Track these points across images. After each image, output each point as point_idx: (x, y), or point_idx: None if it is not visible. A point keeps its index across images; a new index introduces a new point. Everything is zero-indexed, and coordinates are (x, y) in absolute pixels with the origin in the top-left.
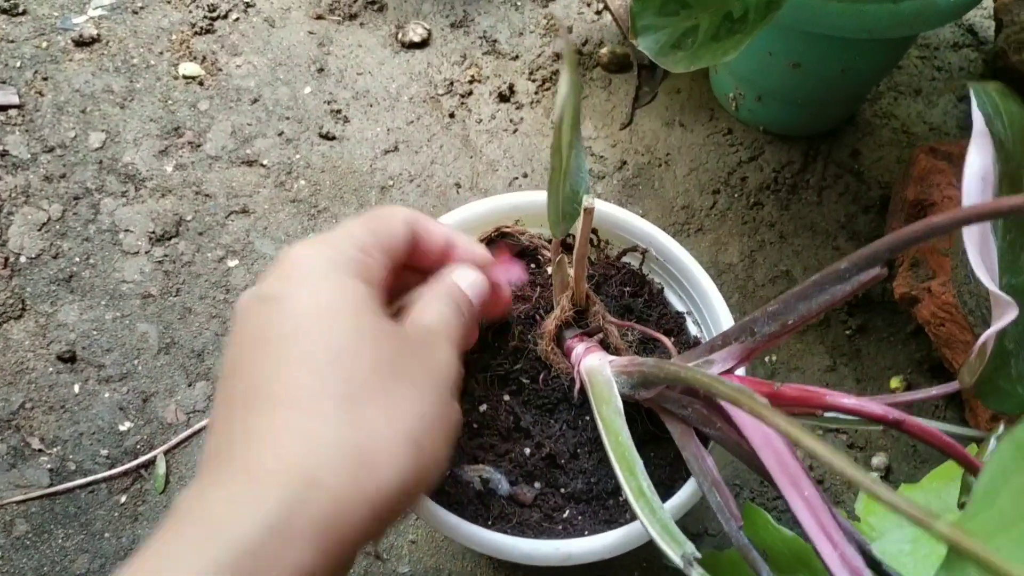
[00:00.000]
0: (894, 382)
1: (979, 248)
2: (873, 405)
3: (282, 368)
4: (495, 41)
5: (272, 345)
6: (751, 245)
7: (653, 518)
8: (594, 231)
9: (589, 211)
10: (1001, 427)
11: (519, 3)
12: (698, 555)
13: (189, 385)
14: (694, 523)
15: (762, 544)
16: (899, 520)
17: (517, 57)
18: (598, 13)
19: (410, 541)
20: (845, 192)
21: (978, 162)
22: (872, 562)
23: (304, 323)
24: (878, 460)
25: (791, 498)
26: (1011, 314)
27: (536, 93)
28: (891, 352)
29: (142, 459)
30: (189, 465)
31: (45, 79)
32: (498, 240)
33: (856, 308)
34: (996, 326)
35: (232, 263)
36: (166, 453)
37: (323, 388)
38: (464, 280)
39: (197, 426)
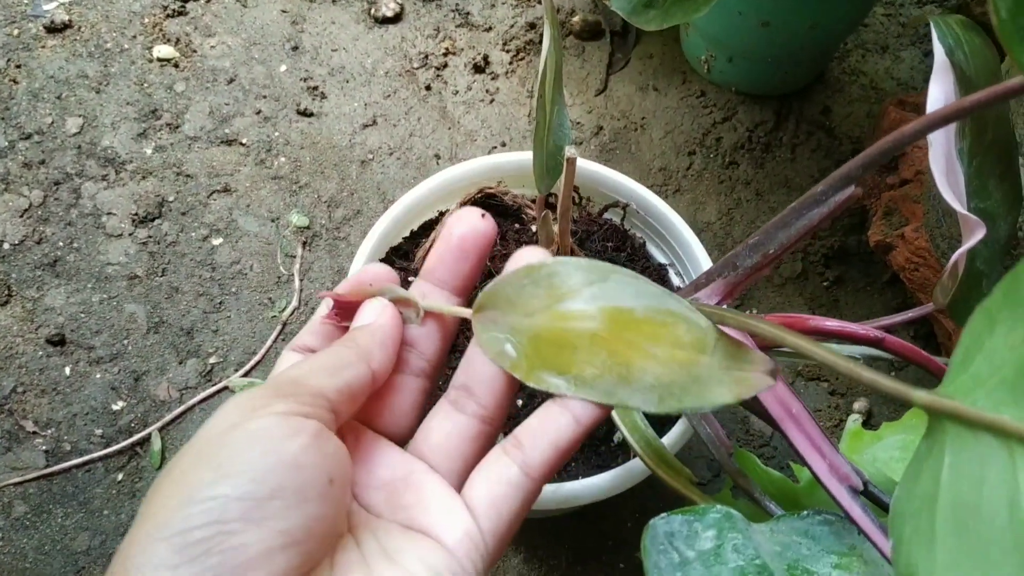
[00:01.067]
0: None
1: (945, 173)
2: (854, 326)
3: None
4: (468, 13)
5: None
6: (728, 203)
7: (649, 449)
8: (576, 189)
9: (572, 161)
10: None
11: None
12: (695, 479)
13: (180, 363)
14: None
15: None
16: (888, 444)
17: (490, 28)
18: None
19: None
20: (817, 148)
21: (940, 91)
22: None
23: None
24: (859, 405)
25: (781, 418)
26: (979, 233)
27: (511, 63)
28: (868, 301)
29: (137, 437)
30: (184, 440)
31: (18, 67)
32: (482, 200)
33: (832, 260)
34: (965, 245)
35: (216, 241)
36: (160, 430)
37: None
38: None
39: (190, 402)
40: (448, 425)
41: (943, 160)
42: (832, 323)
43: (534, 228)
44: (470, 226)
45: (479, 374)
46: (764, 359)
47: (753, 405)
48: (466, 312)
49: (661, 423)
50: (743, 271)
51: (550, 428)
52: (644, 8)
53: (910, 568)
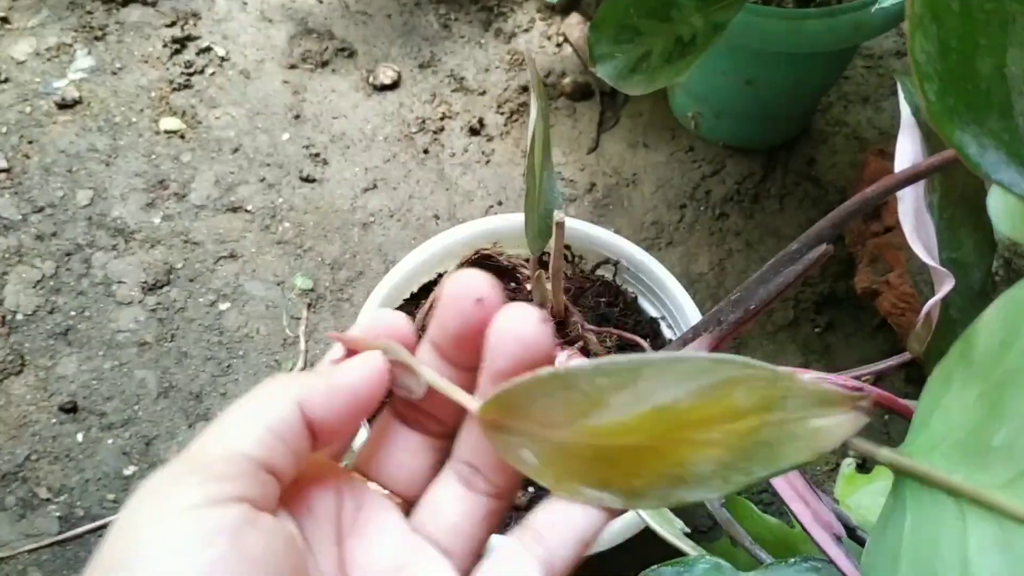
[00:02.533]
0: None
1: (915, 227)
2: (832, 377)
3: None
4: (462, 78)
5: None
6: (719, 254)
7: None
8: (568, 247)
9: (560, 225)
10: None
11: (483, 41)
12: (687, 529)
13: (189, 426)
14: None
15: (748, 533)
16: (874, 489)
17: (484, 92)
18: (559, 46)
19: None
20: (805, 198)
21: (907, 149)
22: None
23: None
24: None
25: None
26: (948, 284)
27: (505, 125)
28: (860, 346)
29: None
30: None
31: (31, 142)
32: (479, 261)
33: (823, 306)
34: (937, 296)
35: (224, 306)
36: None
37: None
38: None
39: None
40: (460, 505)
41: (912, 215)
42: (810, 375)
43: (529, 287)
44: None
45: (487, 454)
46: (847, 397)
47: None
48: (470, 403)
49: None
50: (727, 326)
51: (578, 520)
52: (629, 74)
53: None
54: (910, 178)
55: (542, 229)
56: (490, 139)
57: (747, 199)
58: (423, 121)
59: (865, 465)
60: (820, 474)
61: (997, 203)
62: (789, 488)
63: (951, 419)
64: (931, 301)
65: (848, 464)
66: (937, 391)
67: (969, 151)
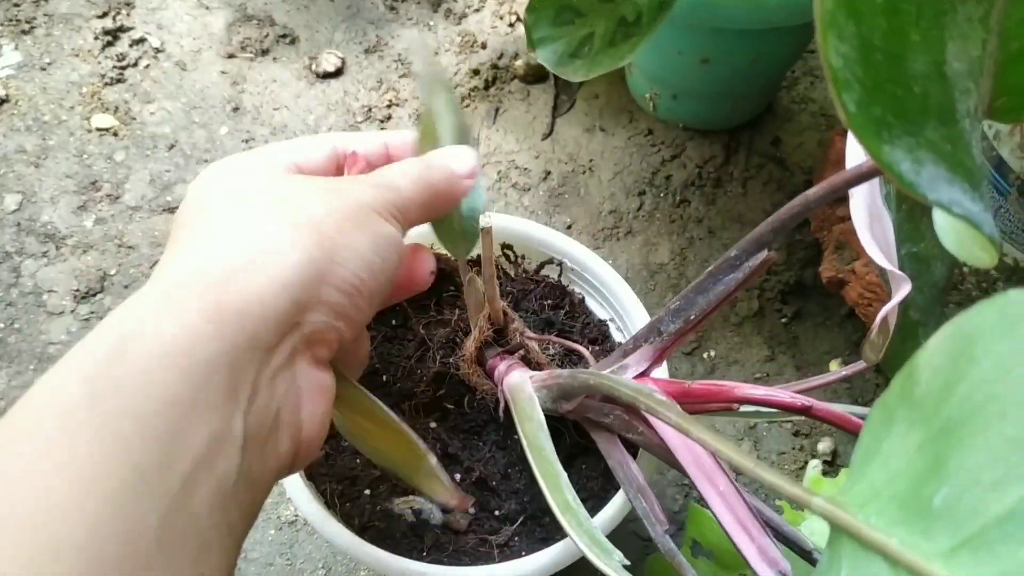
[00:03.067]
0: (833, 365)
1: (868, 224)
2: (782, 394)
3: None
4: (410, 63)
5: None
6: (681, 243)
7: (580, 530)
8: (509, 247)
9: (487, 231)
10: None
11: (431, 23)
12: (626, 562)
13: None
14: (642, 527)
15: (708, 543)
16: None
17: None
18: (511, 25)
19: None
20: (769, 181)
21: (856, 147)
22: (794, 546)
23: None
24: (824, 446)
25: (707, 494)
26: (905, 289)
27: None
28: (828, 336)
29: None
30: None
31: None
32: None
33: (789, 295)
34: (893, 302)
35: None
36: None
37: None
38: (453, 157)
39: None
40: None
41: (864, 212)
42: (759, 392)
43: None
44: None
45: None
46: None
47: (683, 469)
48: None
49: (604, 492)
50: (668, 336)
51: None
52: (570, 58)
53: None
54: (857, 178)
55: (467, 230)
56: None
57: (709, 183)
58: (369, 109)
59: (836, 461)
60: (788, 474)
61: (942, 220)
62: (732, 518)
63: (892, 467)
64: (887, 307)
65: (815, 466)
66: (878, 432)
67: (901, 169)
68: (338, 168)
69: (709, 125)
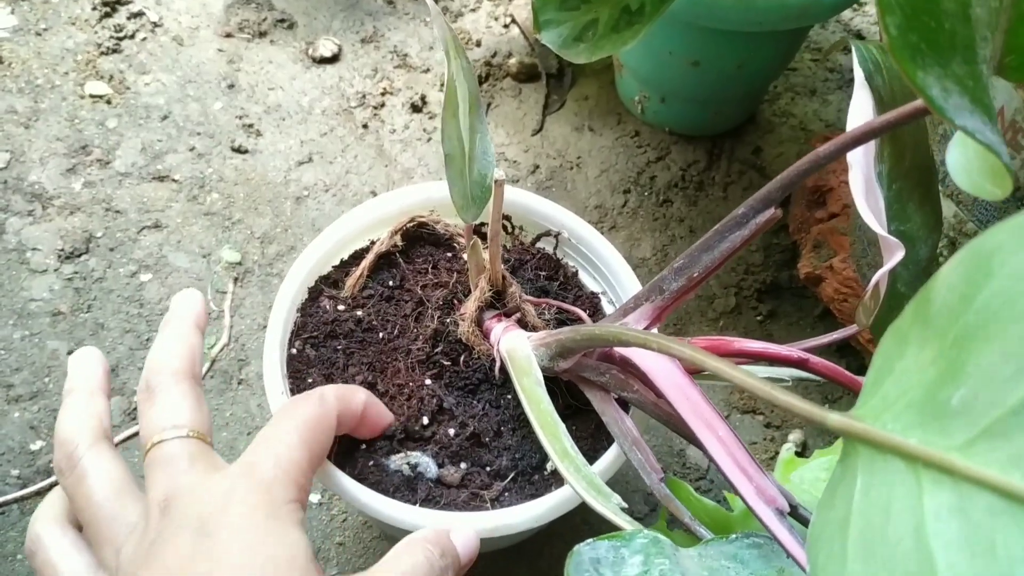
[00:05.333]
0: None
1: (865, 195)
2: (778, 347)
3: None
4: (406, 55)
5: None
6: (663, 240)
7: (579, 475)
8: (508, 218)
9: (500, 184)
10: None
11: (428, 19)
12: (624, 505)
13: None
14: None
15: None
16: (817, 464)
17: (428, 70)
18: (506, 26)
19: (337, 543)
20: (749, 187)
21: (859, 112)
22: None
23: None
24: (794, 436)
25: (706, 440)
26: (898, 254)
27: None
28: (801, 335)
29: (55, 478)
30: None
31: None
32: (414, 229)
33: (766, 294)
34: (887, 266)
35: (145, 277)
36: None
37: None
38: (459, 538)
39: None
40: None
41: (862, 182)
42: (756, 345)
43: (465, 256)
44: None
45: None
46: None
47: (677, 425)
48: None
49: (594, 451)
50: (670, 295)
51: None
52: (574, 42)
53: None
54: (862, 136)
55: (476, 195)
56: (432, 116)
57: (691, 186)
58: (363, 96)
59: (805, 453)
60: (760, 462)
61: (956, 156)
62: (731, 461)
63: (906, 381)
64: (880, 271)
65: (788, 448)
66: (890, 354)
67: (932, 93)
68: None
69: (694, 131)
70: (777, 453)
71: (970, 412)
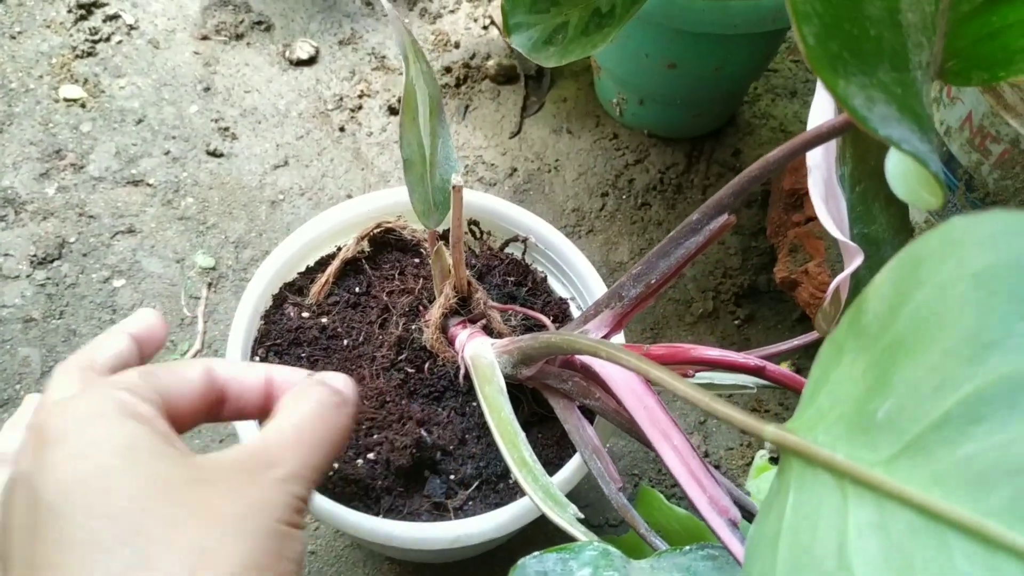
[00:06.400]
0: (783, 366)
1: (824, 199)
2: (735, 355)
3: (53, 555)
4: (383, 57)
5: (38, 533)
6: (640, 243)
7: (536, 485)
8: (476, 223)
9: (458, 190)
10: None
11: (406, 20)
12: (580, 515)
13: None
14: (594, 514)
15: (656, 525)
16: (772, 474)
17: None
18: (485, 28)
19: (309, 552)
20: None
21: (822, 112)
22: (743, 511)
23: (73, 492)
24: (769, 443)
25: (661, 449)
26: (858, 260)
27: None
28: (779, 339)
29: None
30: None
31: None
32: (380, 235)
33: (743, 298)
34: (846, 272)
35: (118, 283)
36: None
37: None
38: (337, 380)
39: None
40: None
41: (822, 185)
42: (714, 352)
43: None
44: None
45: None
46: None
47: (638, 433)
48: None
49: (559, 459)
50: (628, 301)
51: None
52: (544, 45)
53: None
54: (815, 139)
55: (438, 201)
56: None
57: (670, 188)
58: (340, 98)
59: (778, 458)
60: (736, 468)
61: (894, 165)
62: (685, 470)
63: (839, 392)
64: (840, 277)
65: (761, 456)
66: (827, 364)
67: (854, 103)
68: (211, 403)
69: (673, 133)
70: (753, 459)
71: (895, 426)
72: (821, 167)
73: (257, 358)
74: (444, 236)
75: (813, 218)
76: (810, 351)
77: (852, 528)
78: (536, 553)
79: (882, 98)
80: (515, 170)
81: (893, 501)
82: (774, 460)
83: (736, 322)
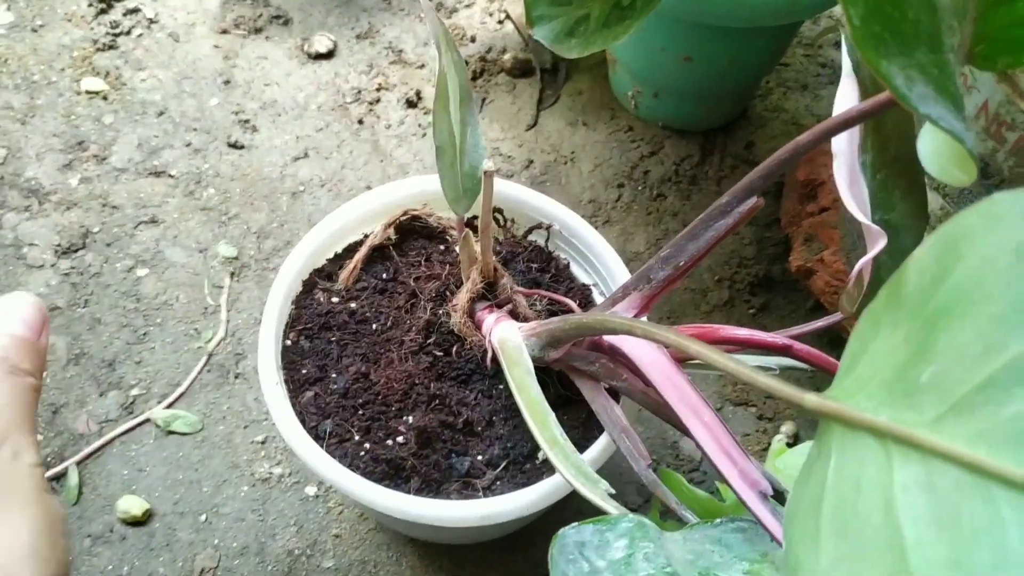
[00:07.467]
0: None
1: (848, 184)
2: (763, 335)
3: None
4: (401, 51)
5: None
6: (656, 234)
7: (567, 462)
8: (500, 211)
9: (489, 175)
10: None
11: (422, 14)
12: (612, 491)
13: (100, 395)
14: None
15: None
16: (803, 449)
17: (423, 66)
18: (500, 22)
19: (334, 535)
20: None
21: (846, 98)
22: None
23: None
24: (786, 428)
25: (692, 425)
26: (881, 242)
27: None
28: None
29: (53, 471)
30: (102, 475)
31: None
32: (408, 223)
33: (758, 288)
34: (869, 254)
35: (142, 272)
36: (78, 464)
37: None
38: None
39: (110, 435)
40: None
41: (846, 171)
42: (742, 332)
43: (457, 249)
44: None
45: None
46: None
47: (666, 413)
48: None
49: (585, 440)
50: (657, 283)
51: None
52: (566, 37)
53: (795, 570)
54: (842, 124)
55: (467, 187)
56: (427, 112)
57: (685, 180)
58: (359, 92)
59: (796, 444)
60: (752, 454)
61: (926, 144)
62: (716, 445)
63: (879, 361)
64: (864, 259)
65: (779, 439)
66: (865, 336)
67: (896, 82)
68: None
69: (687, 126)
70: (769, 445)
71: (939, 389)
72: (846, 152)
73: (289, 342)
74: (471, 223)
75: (827, 208)
76: (823, 338)
77: (898, 486)
78: (574, 524)
79: (920, 78)
80: (532, 162)
81: (939, 459)
82: (791, 445)
83: (751, 311)
